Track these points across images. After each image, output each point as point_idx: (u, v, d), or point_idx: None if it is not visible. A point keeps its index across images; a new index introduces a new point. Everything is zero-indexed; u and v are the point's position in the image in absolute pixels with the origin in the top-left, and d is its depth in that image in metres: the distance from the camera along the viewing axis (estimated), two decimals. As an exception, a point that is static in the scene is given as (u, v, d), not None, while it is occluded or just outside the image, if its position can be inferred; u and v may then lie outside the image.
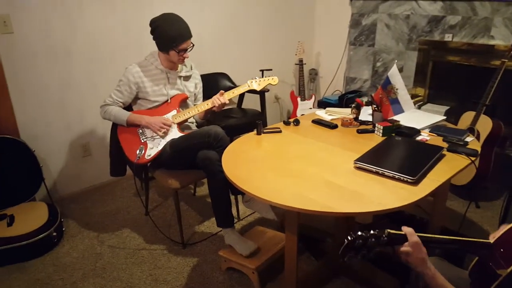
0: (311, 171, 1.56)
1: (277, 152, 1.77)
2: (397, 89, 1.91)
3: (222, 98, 2.12)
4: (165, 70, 2.16)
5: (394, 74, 1.90)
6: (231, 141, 1.96)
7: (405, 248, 0.96)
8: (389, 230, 0.95)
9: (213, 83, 3.32)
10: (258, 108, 3.36)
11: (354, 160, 1.59)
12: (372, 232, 0.92)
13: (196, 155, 2.00)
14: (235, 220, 2.40)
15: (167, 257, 2.12)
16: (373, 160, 1.59)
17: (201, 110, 2.16)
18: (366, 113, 2.26)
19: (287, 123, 2.13)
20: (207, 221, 2.47)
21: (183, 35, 2.05)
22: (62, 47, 2.54)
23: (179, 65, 2.24)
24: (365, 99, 3.95)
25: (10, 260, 2.07)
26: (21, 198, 2.36)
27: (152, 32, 2.08)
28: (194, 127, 2.35)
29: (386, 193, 1.38)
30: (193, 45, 2.12)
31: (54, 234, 2.20)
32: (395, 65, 1.91)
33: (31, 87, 2.48)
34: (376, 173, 1.52)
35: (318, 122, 2.13)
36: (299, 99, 3.93)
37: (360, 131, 1.99)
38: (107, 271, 2.02)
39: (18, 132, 2.46)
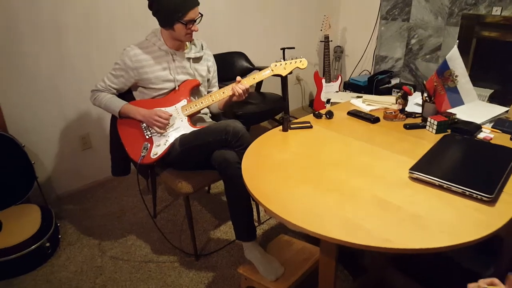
0: (354, 183, 1.22)
1: (309, 155, 1.42)
2: (456, 76, 1.52)
3: (242, 85, 1.76)
4: (170, 51, 1.81)
5: (453, 58, 1.51)
6: (248, 130, 1.60)
7: None
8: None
9: (228, 64, 2.95)
10: (279, 92, 2.99)
11: (409, 169, 1.24)
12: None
13: (211, 154, 1.68)
14: (255, 224, 2.08)
15: (178, 271, 1.83)
16: (432, 168, 1.23)
17: (216, 99, 1.81)
18: (411, 102, 1.88)
19: (318, 115, 1.77)
20: (223, 225, 2.17)
21: (189, 1, 1.69)
22: (52, 25, 2.20)
23: (187, 45, 1.88)
24: (396, 81, 3.54)
25: (-2, 275, 1.82)
26: (11, 201, 2.08)
27: (150, 7, 1.72)
28: (208, 119, 2.01)
29: (457, 218, 1.03)
30: (202, 15, 1.76)
31: (47, 244, 1.92)
32: (455, 47, 1.51)
33: (18, 73, 2.16)
34: (439, 186, 1.17)
35: (355, 114, 1.76)
36: (323, 80, 3.53)
37: (408, 127, 1.62)
38: (108, 289, 1.75)
39: (5, 126, 2.17)
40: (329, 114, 1.75)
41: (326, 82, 3.53)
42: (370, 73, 3.78)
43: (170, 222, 2.21)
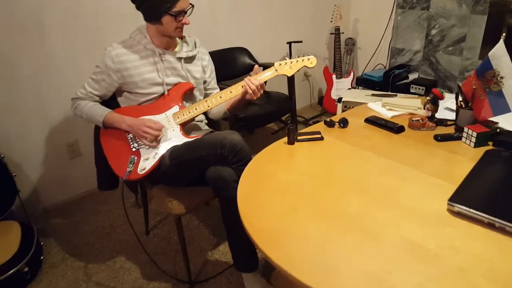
0: (377, 216, 0.97)
1: (319, 175, 1.17)
2: (501, 78, 1.25)
3: (255, 80, 1.49)
4: (158, 50, 1.56)
5: (498, 55, 1.23)
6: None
7: None
8: None
9: (228, 62, 2.70)
10: (285, 91, 2.73)
11: (448, 200, 0.98)
12: None
13: (205, 170, 1.44)
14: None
15: (169, 301, 1.62)
16: (478, 198, 0.98)
17: (216, 103, 1.56)
18: (441, 107, 1.61)
19: (330, 123, 1.51)
20: (222, 244, 1.93)
21: None
22: (34, 23, 1.97)
23: (178, 42, 1.63)
24: (414, 76, 3.25)
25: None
26: (-11, 218, 1.89)
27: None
28: (204, 126, 1.77)
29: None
30: (193, 6, 1.50)
31: (26, 269, 1.71)
32: (501, 41, 1.24)
33: (-3, 75, 1.94)
34: (490, 225, 0.91)
35: (375, 122, 1.50)
36: (334, 76, 3.26)
37: (439, 138, 1.35)
38: (90, 323, 1.53)
39: (-19, 135, 1.96)
40: (343, 122, 1.49)
41: (337, 78, 3.25)
42: (385, 67, 3.48)
43: (164, 240, 1.99)
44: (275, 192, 1.10)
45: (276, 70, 1.57)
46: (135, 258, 1.87)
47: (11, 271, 1.65)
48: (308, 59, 1.59)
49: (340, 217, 0.97)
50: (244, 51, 2.78)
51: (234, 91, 1.55)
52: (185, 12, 1.48)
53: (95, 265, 1.84)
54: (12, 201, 1.96)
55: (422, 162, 1.22)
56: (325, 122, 1.52)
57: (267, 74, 1.56)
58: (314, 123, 3.28)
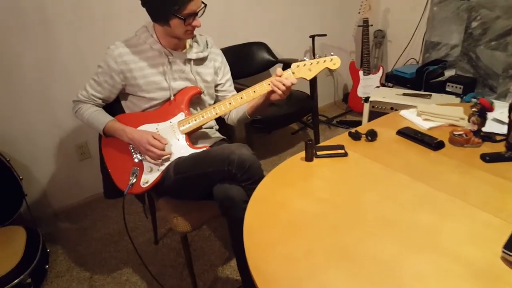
0: (416, 268, 0.78)
1: (343, 204, 0.99)
2: None
3: (288, 79, 1.30)
4: (165, 51, 1.40)
5: None
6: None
7: None
8: None
9: (246, 58, 2.52)
10: (306, 89, 2.54)
11: (503, 248, 0.79)
12: None
13: (212, 186, 1.29)
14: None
15: (174, 323, 1.49)
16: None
17: (226, 110, 1.40)
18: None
19: (355, 136, 1.32)
20: (234, 259, 1.79)
21: None
22: (38, 19, 1.86)
23: (187, 42, 1.47)
24: (450, 73, 2.97)
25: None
26: (-4, 223, 1.82)
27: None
28: (214, 133, 1.61)
29: None
30: (205, 5, 1.33)
31: (29, 281, 1.63)
32: None
33: (1, 77, 1.84)
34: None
35: (409, 135, 1.30)
36: (361, 72, 3.02)
37: (488, 159, 1.14)
38: None
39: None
40: (371, 135, 1.30)
41: (364, 74, 3.01)
42: (417, 62, 3.21)
43: (173, 251, 1.86)
44: (287, 226, 0.93)
45: (293, 73, 1.39)
46: (143, 271, 1.75)
47: (13, 283, 1.57)
48: (331, 59, 1.40)
49: (367, 264, 0.80)
50: (262, 46, 2.59)
51: (259, 90, 1.37)
52: (196, 14, 1.31)
53: (100, 276, 1.74)
54: (19, 206, 1.89)
55: (467, 190, 1.02)
56: (350, 134, 1.33)
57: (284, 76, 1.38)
58: (337, 122, 3.07)
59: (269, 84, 1.35)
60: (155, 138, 1.36)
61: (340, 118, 3.17)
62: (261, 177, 1.24)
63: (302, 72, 1.38)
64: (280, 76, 1.33)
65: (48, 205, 2.16)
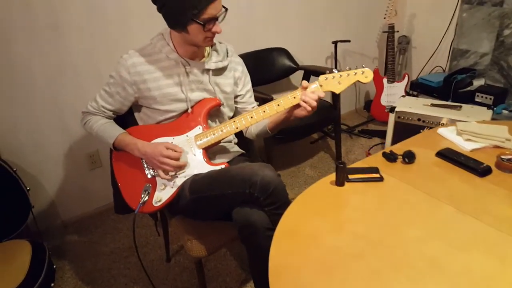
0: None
1: (382, 241, 0.87)
2: None
3: (315, 93, 1.19)
4: (182, 60, 1.29)
5: None
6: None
7: None
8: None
9: (265, 64, 2.41)
10: (328, 98, 2.41)
11: None
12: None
13: (232, 209, 1.18)
14: None
15: None
16: None
17: (247, 124, 1.28)
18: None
19: (390, 157, 1.19)
20: (251, 282, 1.67)
21: None
22: (48, 22, 1.77)
23: (206, 50, 1.36)
24: (479, 82, 2.81)
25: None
26: (2, 235, 1.73)
27: (154, 0, 1.20)
28: (232, 148, 1.50)
29: None
30: (226, 10, 1.22)
31: (31, 302, 1.54)
32: None
33: (8, 81, 1.77)
34: None
35: (450, 157, 1.16)
36: (385, 80, 2.89)
37: (545, 187, 1.00)
38: None
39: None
40: (409, 157, 1.17)
41: (388, 82, 2.87)
42: (444, 70, 3.05)
43: (186, 271, 1.76)
44: (319, 266, 0.81)
45: (321, 86, 1.27)
46: (152, 292, 1.65)
47: (15, 305, 1.48)
48: (363, 72, 1.28)
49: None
50: (283, 52, 2.47)
51: (283, 103, 1.26)
52: (216, 19, 1.20)
53: (108, 296, 1.65)
54: (25, 218, 1.81)
55: (526, 228, 0.88)
56: (385, 155, 1.20)
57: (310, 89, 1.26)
58: (359, 132, 2.93)
59: (294, 98, 1.23)
60: (168, 148, 1.26)
61: (361, 127, 3.03)
62: (286, 201, 1.12)
63: (330, 85, 1.27)
64: (306, 89, 1.22)
65: (57, 216, 2.08)
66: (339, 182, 1.07)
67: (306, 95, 1.19)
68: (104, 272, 1.78)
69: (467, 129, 1.29)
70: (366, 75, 1.27)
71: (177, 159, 1.26)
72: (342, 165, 1.06)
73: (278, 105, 1.26)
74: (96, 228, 2.08)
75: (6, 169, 1.71)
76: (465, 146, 1.23)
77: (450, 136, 1.30)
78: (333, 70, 1.29)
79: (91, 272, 1.79)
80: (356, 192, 1.05)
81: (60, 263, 1.85)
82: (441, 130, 1.34)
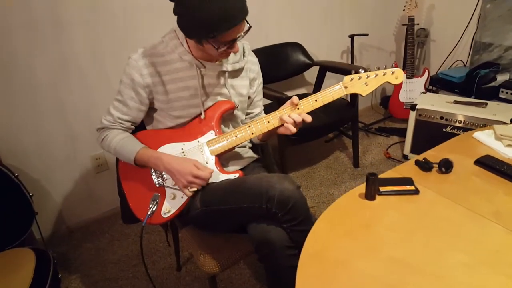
0: None
1: (424, 267, 0.76)
2: None
3: (298, 115, 1.10)
4: (197, 62, 1.18)
5: None
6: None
7: None
8: None
9: (279, 60, 2.29)
10: (346, 96, 2.28)
11: None
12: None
13: (246, 222, 1.08)
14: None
15: None
16: None
17: (263, 129, 1.17)
18: None
19: (424, 166, 1.07)
20: (266, 292, 1.58)
21: (232, 16, 1.00)
22: (50, 19, 1.68)
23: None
24: (504, 77, 2.65)
25: None
26: (5, 243, 1.65)
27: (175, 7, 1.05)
28: (246, 153, 1.39)
29: None
30: (250, 27, 1.09)
31: (34, 317, 1.46)
32: None
33: (9, 82, 1.68)
34: None
35: (491, 166, 1.04)
36: (404, 75, 2.74)
37: None
38: None
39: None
40: (446, 166, 1.05)
41: (407, 77, 2.73)
42: (465, 64, 2.90)
43: (197, 280, 1.66)
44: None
45: (346, 88, 1.15)
46: (162, 304, 1.56)
47: (17, 319, 1.40)
48: (392, 72, 1.16)
49: None
50: (297, 46, 2.35)
51: (273, 122, 1.18)
52: (236, 39, 1.06)
53: (116, 309, 1.56)
54: (29, 225, 1.72)
55: None
56: (418, 163, 1.09)
57: (334, 92, 1.15)
58: (376, 130, 2.80)
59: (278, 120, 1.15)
60: (199, 168, 1.13)
61: (378, 124, 2.89)
62: (307, 216, 1.02)
63: (356, 86, 1.15)
64: (296, 105, 1.12)
65: (62, 221, 2.00)
66: (370, 195, 0.96)
67: (284, 115, 1.10)
68: (111, 281, 1.70)
69: (506, 133, 1.16)
70: (396, 76, 1.16)
71: (207, 180, 1.15)
72: (373, 177, 0.94)
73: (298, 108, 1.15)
74: (103, 234, 2.00)
75: (7, 175, 1.62)
76: (506, 152, 1.11)
77: (488, 141, 1.18)
78: (360, 70, 1.17)
79: (98, 282, 1.70)
80: (389, 207, 0.94)
81: (66, 272, 1.77)
82: (477, 134, 1.22)
